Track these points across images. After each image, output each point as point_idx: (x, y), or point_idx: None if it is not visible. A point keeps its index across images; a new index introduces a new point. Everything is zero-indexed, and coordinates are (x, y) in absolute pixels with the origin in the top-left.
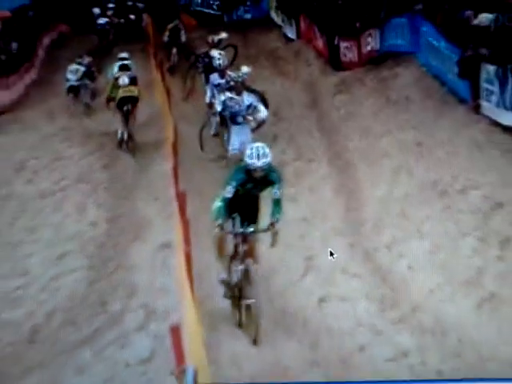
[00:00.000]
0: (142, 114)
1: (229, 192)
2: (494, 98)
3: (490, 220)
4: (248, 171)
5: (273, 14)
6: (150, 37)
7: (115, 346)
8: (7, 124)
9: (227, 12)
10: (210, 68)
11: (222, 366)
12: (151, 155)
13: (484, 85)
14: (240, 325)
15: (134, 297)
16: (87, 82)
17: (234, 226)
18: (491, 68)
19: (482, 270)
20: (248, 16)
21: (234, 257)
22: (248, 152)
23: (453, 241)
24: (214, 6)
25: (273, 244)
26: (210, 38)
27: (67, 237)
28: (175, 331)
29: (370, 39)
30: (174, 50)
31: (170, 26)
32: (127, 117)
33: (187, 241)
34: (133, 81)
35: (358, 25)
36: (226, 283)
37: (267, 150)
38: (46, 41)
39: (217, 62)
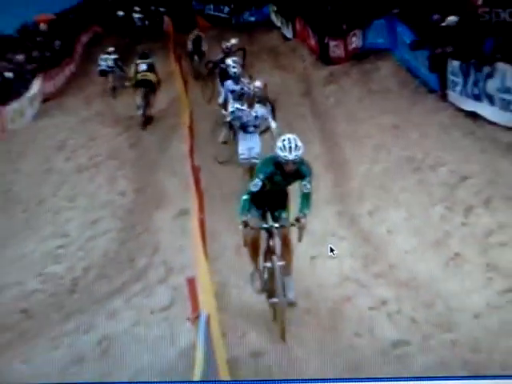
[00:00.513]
0: (163, 101)
1: (255, 185)
2: (458, 88)
3: (456, 191)
4: (278, 164)
5: (273, 17)
6: (170, 36)
7: (141, 296)
8: (50, 109)
9: (235, 15)
10: (225, 74)
11: (230, 313)
12: (171, 136)
13: (450, 77)
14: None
15: (156, 255)
16: (115, 69)
17: (261, 220)
18: (456, 63)
19: (449, 234)
20: (252, 19)
21: (265, 252)
22: (279, 144)
23: (424, 209)
24: (224, 11)
25: (299, 239)
26: (223, 45)
27: (100, 204)
28: (191, 283)
29: (354, 38)
30: (196, 58)
31: (192, 37)
32: (146, 98)
33: (201, 208)
34: (150, 68)
35: (344, 26)
36: (258, 279)
37: (300, 143)
38: (83, 39)
39: (232, 70)
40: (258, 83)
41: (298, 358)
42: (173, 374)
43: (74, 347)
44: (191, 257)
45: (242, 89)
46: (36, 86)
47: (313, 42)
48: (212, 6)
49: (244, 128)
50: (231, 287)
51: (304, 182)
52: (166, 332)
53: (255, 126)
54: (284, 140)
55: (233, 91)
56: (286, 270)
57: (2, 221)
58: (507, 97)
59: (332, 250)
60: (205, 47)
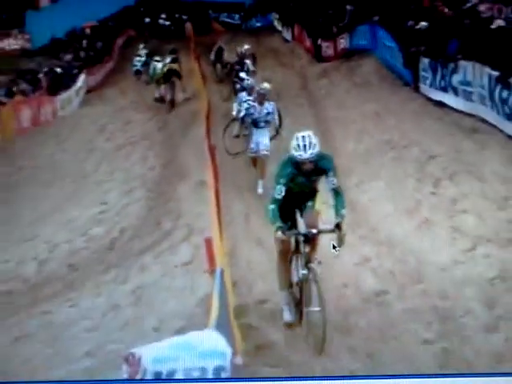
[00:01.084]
0: (184, 92)
1: (279, 193)
2: (428, 82)
3: (426, 167)
4: (296, 163)
5: (275, 23)
6: (190, 38)
7: (167, 253)
8: (93, 99)
9: (244, 22)
10: (238, 74)
11: (240, 268)
12: (191, 121)
13: (421, 72)
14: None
15: (179, 219)
16: (146, 67)
17: (295, 227)
18: (426, 60)
19: (420, 202)
20: (258, 24)
21: (295, 256)
22: (294, 143)
23: (400, 182)
24: (235, 18)
25: (339, 245)
26: (238, 50)
27: (134, 177)
28: (208, 243)
29: (342, 40)
30: (219, 66)
31: (215, 48)
32: (172, 85)
33: (216, 180)
34: (174, 60)
35: (334, 30)
36: (287, 283)
37: (314, 140)
38: (120, 41)
39: (246, 83)
40: (265, 84)
41: None
42: (193, 318)
43: (112, 295)
44: (208, 221)
45: (255, 99)
46: (81, 80)
47: (308, 43)
48: (226, 14)
49: (255, 124)
50: (241, 247)
51: (329, 178)
52: (188, 283)
53: (266, 122)
54: (298, 138)
55: (246, 101)
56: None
57: (54, 191)
58: (468, 89)
59: (334, 247)
60: (225, 56)
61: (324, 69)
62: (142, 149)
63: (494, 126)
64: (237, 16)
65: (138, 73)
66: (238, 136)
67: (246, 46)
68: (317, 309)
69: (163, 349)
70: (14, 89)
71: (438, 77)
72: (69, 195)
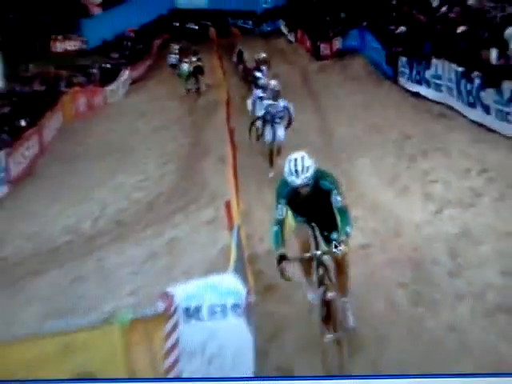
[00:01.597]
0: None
1: (280, 214)
2: (405, 76)
3: (403, 146)
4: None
5: (282, 28)
6: (214, 40)
7: (194, 214)
8: (136, 89)
9: (257, 26)
10: (256, 79)
11: (252, 225)
12: (214, 108)
13: (400, 68)
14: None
15: (205, 187)
16: (178, 62)
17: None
18: (404, 59)
19: (399, 174)
20: (268, 29)
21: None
22: (286, 167)
23: (382, 158)
24: (249, 23)
25: (342, 270)
26: (255, 57)
27: (168, 153)
28: (227, 205)
29: (337, 42)
30: (241, 67)
31: (236, 51)
32: (197, 79)
33: (234, 156)
34: (198, 59)
35: (330, 34)
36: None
37: (307, 162)
38: (157, 42)
39: (261, 82)
40: (273, 81)
41: None
42: (215, 264)
43: (150, 246)
44: (227, 189)
45: (269, 96)
46: (126, 74)
47: (308, 44)
48: (241, 20)
49: (272, 119)
50: (254, 209)
51: (332, 197)
52: (211, 237)
53: (281, 118)
54: (290, 162)
55: (261, 97)
56: (342, 292)
57: (105, 163)
58: (438, 82)
59: (336, 247)
60: (246, 58)
61: (321, 66)
62: (174, 130)
63: (459, 113)
64: (250, 22)
65: (172, 66)
66: (258, 138)
67: (263, 55)
68: (339, 335)
69: (191, 288)
70: (73, 81)
71: (414, 72)
72: (117, 166)
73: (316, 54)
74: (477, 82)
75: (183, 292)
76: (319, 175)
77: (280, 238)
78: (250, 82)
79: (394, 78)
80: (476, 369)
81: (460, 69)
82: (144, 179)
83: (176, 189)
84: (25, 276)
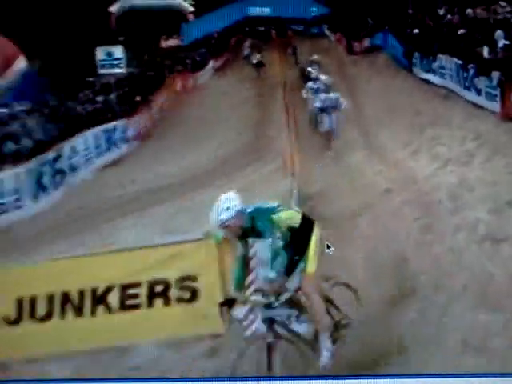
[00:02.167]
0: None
1: (239, 251)
2: (418, 67)
3: (415, 119)
4: None
5: (325, 31)
6: (274, 39)
7: (263, 165)
8: (217, 75)
9: (307, 29)
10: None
11: (307, 178)
12: (273, 89)
13: (414, 60)
14: None
15: (271, 148)
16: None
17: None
18: (417, 54)
19: (412, 140)
20: (315, 31)
21: None
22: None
23: (399, 128)
24: (301, 27)
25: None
26: (308, 58)
27: (250, 125)
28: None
29: (365, 41)
30: (294, 59)
31: (292, 47)
32: (259, 69)
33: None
34: (261, 56)
35: (361, 35)
36: None
37: (232, 202)
38: (233, 40)
39: (313, 75)
40: (324, 77)
41: None
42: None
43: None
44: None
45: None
46: (211, 64)
47: (344, 43)
48: (296, 25)
49: (328, 109)
50: (310, 167)
51: (266, 239)
52: (277, 182)
53: (333, 107)
54: (219, 200)
55: (312, 88)
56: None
57: (200, 133)
58: (443, 71)
59: (328, 247)
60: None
61: (353, 59)
62: (248, 105)
63: (458, 95)
64: (302, 26)
65: (245, 58)
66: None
67: (315, 56)
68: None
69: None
70: (174, 68)
71: (424, 64)
72: (206, 132)
73: (350, 51)
74: (471, 71)
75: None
76: (255, 215)
77: (236, 280)
78: (303, 74)
79: (409, 69)
80: (468, 280)
81: (459, 61)
82: (225, 141)
83: (250, 146)
84: (153, 204)
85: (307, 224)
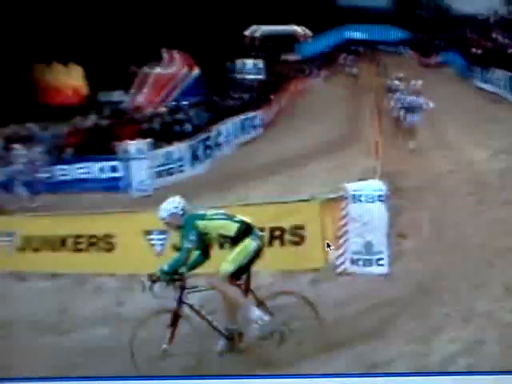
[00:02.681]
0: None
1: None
2: (477, 78)
3: (473, 118)
4: None
5: (405, 49)
6: (367, 56)
7: (353, 149)
8: (327, 81)
9: (392, 49)
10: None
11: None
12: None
13: (474, 73)
14: None
15: (362, 136)
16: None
17: None
18: (478, 68)
19: (470, 133)
20: (397, 50)
21: None
22: None
23: (460, 124)
24: (384, 47)
25: None
26: (394, 75)
27: (340, 117)
28: (376, 145)
29: (435, 57)
30: (382, 71)
31: (381, 63)
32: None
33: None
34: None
35: (432, 53)
36: None
37: (167, 206)
38: (335, 54)
39: (398, 87)
40: (414, 82)
41: None
42: (367, 176)
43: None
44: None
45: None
46: (318, 73)
47: (419, 58)
48: (383, 45)
49: (412, 110)
50: (392, 159)
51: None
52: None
53: (419, 108)
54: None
55: (397, 98)
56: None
57: (313, 121)
58: (496, 81)
59: (329, 246)
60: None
61: (425, 70)
62: (344, 104)
63: (507, 100)
64: (387, 46)
65: (344, 69)
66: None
67: (401, 74)
68: None
69: (357, 185)
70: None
71: (482, 75)
72: (314, 124)
73: (422, 64)
74: None
75: (352, 186)
76: (187, 219)
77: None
78: (389, 87)
79: (469, 80)
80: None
81: (509, 73)
82: (326, 130)
83: (344, 135)
84: (274, 173)
85: (242, 235)
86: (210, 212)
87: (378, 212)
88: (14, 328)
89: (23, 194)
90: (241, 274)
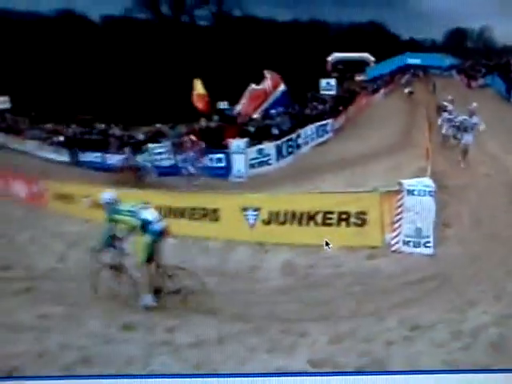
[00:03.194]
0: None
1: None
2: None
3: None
4: None
5: (452, 72)
6: (421, 78)
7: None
8: (387, 97)
9: (441, 72)
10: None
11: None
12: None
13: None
14: None
15: (413, 143)
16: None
17: None
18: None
19: (506, 142)
20: (447, 73)
21: None
22: None
23: (497, 135)
24: (432, 71)
25: None
26: (445, 98)
27: (393, 127)
28: (427, 151)
29: (479, 80)
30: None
31: (432, 83)
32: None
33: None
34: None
35: (477, 77)
36: None
37: (105, 196)
38: (394, 76)
39: (448, 108)
40: (474, 104)
41: None
42: (419, 174)
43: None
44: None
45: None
46: (382, 91)
47: (465, 81)
48: (435, 70)
49: (465, 129)
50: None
51: None
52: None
53: (472, 128)
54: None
55: (448, 119)
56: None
57: (376, 129)
58: None
59: (327, 244)
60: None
61: (471, 92)
62: (402, 116)
63: None
64: (439, 70)
65: (403, 87)
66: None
67: (450, 97)
68: None
69: (411, 181)
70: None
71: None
72: (376, 131)
73: (468, 86)
74: None
75: (407, 182)
76: (109, 210)
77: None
78: (439, 106)
79: (509, 100)
80: None
81: None
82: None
83: (400, 141)
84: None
85: (142, 229)
86: (125, 208)
87: (428, 204)
88: None
89: (195, 174)
90: (152, 259)
